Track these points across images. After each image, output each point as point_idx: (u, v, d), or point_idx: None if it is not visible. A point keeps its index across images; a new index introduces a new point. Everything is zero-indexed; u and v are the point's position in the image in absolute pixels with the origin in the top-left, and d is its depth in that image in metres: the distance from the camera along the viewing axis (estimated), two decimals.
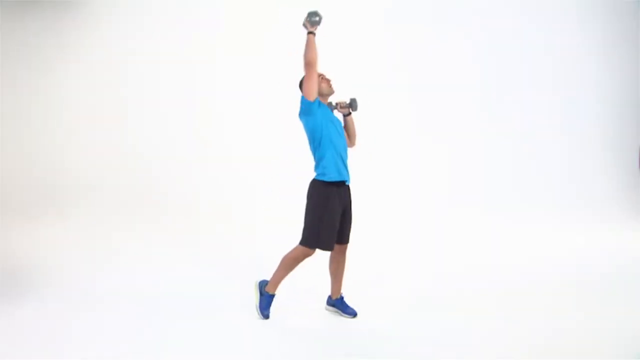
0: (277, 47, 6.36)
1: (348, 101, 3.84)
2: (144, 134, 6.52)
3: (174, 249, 5.51)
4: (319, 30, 3.53)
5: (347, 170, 3.69)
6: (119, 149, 6.50)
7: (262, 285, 3.80)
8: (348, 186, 3.73)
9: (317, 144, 3.60)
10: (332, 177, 3.58)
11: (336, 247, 3.68)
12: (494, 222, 6.02)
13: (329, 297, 3.93)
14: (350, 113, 3.85)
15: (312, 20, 3.51)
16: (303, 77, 3.58)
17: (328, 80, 3.72)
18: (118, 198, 6.36)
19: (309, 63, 3.47)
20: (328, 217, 3.51)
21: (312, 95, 3.52)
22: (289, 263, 3.68)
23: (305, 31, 3.54)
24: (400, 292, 4.35)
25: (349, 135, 3.86)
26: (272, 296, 3.77)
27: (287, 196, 5.49)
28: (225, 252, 5.42)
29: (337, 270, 3.81)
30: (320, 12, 3.54)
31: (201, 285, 4.53)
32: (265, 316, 3.71)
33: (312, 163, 3.71)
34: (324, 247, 3.54)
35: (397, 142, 6.53)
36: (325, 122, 3.59)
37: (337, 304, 3.87)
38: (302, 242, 3.62)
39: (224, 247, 5.55)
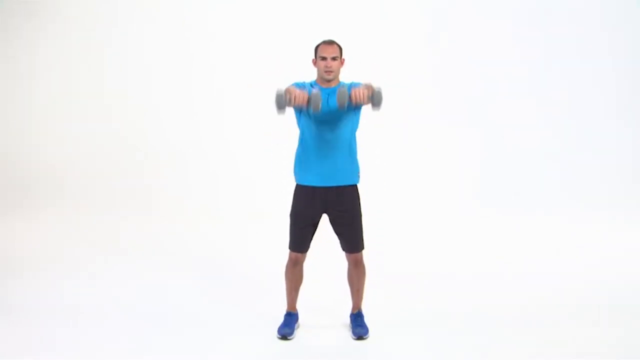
0: (275, 41, 5.83)
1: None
2: (126, 125, 6.02)
3: (159, 250, 5.05)
4: None
5: (321, 172, 3.29)
6: (99, 139, 6.03)
7: None
8: (342, 188, 3.33)
9: None
10: (296, 178, 3.44)
11: (346, 256, 3.47)
12: (516, 225, 5.36)
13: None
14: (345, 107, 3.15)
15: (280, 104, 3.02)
16: None
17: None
18: (96, 192, 5.91)
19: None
20: (293, 217, 3.42)
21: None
22: (285, 272, 3.49)
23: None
24: (415, 307, 3.90)
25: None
26: (287, 315, 3.52)
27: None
28: (215, 253, 4.98)
29: (350, 282, 3.53)
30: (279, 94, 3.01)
31: (191, 291, 4.16)
32: (281, 335, 3.41)
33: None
34: (291, 248, 3.44)
35: (410, 139, 5.92)
36: (305, 120, 3.33)
37: (350, 319, 3.54)
38: None
39: (213, 248, 5.10)
